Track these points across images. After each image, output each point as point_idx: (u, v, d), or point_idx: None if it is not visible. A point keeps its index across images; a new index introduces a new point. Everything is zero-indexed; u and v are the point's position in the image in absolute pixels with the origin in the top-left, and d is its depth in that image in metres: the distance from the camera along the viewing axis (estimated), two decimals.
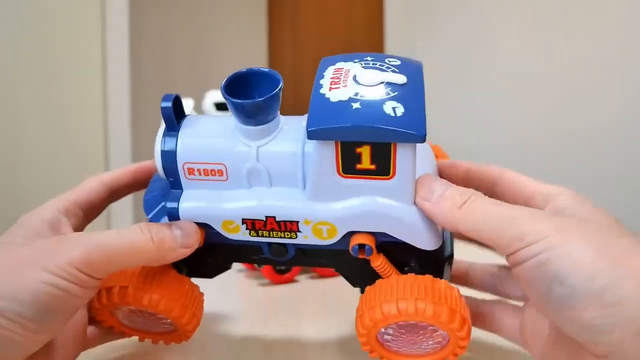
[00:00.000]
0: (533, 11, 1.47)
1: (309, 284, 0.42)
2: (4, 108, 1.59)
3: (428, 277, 0.24)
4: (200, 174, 0.24)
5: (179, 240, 0.24)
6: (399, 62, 0.24)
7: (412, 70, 0.24)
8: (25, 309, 0.21)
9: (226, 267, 0.28)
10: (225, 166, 0.24)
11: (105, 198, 0.28)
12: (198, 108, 0.60)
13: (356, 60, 0.24)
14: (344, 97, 0.22)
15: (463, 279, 0.31)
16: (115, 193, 0.29)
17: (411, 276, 0.24)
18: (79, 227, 0.27)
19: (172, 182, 0.25)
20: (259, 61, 2.61)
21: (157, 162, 0.25)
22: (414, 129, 0.21)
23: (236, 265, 0.48)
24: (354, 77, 0.23)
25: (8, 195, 1.33)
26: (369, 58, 0.24)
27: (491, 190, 0.27)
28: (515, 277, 0.22)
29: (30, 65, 1.64)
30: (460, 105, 1.55)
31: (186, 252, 0.25)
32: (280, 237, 0.25)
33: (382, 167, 0.22)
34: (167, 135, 0.25)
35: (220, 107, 0.62)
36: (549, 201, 0.24)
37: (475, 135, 1.53)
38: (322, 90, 0.23)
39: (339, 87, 0.22)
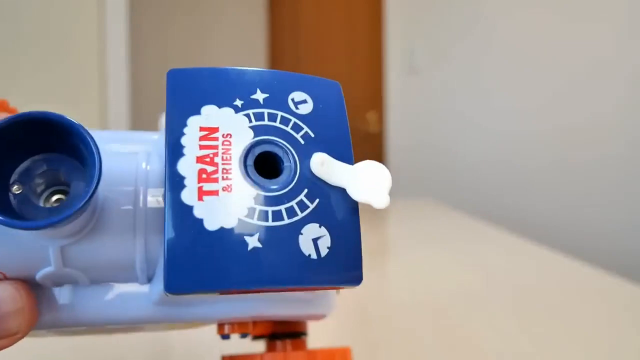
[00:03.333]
0: (536, 11, 1.46)
1: None
2: None
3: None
4: None
5: None
6: (310, 106, 0.14)
7: (333, 122, 0.14)
8: None
9: None
10: (4, 275, 0.14)
11: None
12: None
13: (238, 102, 0.14)
14: (231, 222, 0.12)
15: None
16: None
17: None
18: None
19: None
20: (259, 61, 2.61)
21: None
22: (347, 280, 0.13)
23: None
24: (244, 160, 0.13)
25: None
26: (258, 94, 0.14)
27: None
28: None
29: (28, 64, 1.64)
30: (460, 105, 1.55)
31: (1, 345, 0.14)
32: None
33: None
34: None
35: None
36: None
37: (476, 135, 1.53)
38: (184, 196, 0.12)
39: (217, 191, 0.12)
